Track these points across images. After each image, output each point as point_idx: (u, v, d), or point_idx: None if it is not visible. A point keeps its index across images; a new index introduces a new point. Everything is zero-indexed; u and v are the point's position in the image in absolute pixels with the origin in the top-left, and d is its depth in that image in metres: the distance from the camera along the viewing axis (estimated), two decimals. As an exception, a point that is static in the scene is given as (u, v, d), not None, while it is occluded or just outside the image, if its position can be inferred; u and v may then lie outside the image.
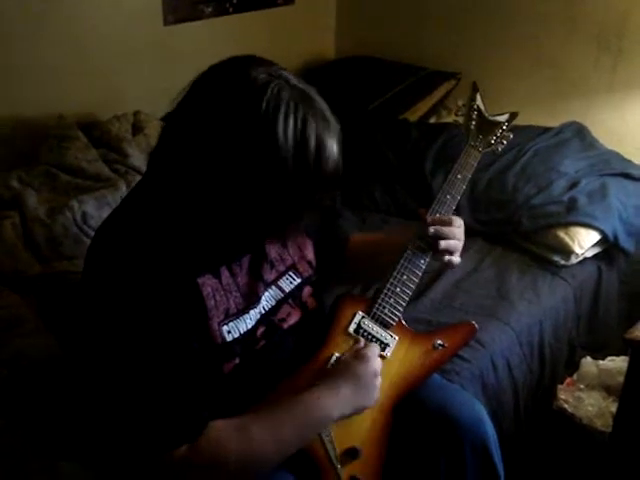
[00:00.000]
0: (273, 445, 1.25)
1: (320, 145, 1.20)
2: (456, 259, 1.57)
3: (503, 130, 1.72)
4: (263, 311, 1.41)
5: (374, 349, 1.41)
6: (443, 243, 1.53)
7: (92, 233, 2.08)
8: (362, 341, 1.44)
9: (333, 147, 1.22)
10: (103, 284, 1.25)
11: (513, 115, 1.74)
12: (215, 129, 1.18)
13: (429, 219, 1.55)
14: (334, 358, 1.43)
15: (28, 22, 2.36)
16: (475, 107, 1.71)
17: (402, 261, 1.53)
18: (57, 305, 1.87)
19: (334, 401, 1.31)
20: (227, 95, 1.18)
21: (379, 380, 1.37)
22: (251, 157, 1.17)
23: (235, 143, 1.17)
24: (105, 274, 1.25)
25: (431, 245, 1.54)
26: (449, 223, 1.54)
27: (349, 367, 1.35)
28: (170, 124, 1.30)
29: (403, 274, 1.52)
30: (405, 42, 3.29)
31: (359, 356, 1.37)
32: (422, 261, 1.54)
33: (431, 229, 1.53)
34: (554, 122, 2.83)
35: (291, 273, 1.48)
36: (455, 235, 1.55)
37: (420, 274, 1.53)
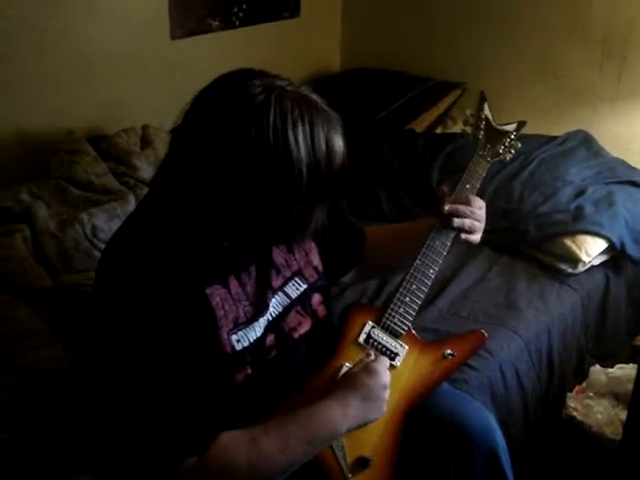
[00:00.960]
0: (282, 457, 1.25)
1: (329, 145, 1.21)
2: (474, 238, 1.57)
3: (511, 139, 1.72)
4: (270, 318, 1.41)
5: (384, 362, 1.40)
6: (457, 221, 1.54)
7: (102, 246, 2.08)
8: (372, 354, 1.45)
9: (339, 142, 1.24)
10: (114, 297, 1.26)
11: (521, 124, 1.74)
12: (223, 149, 1.19)
13: (447, 199, 1.56)
14: (344, 368, 1.43)
15: (35, 36, 2.37)
16: (483, 117, 1.71)
17: (416, 262, 1.54)
18: (68, 318, 1.87)
19: (343, 414, 1.32)
20: (230, 117, 1.19)
21: (387, 393, 1.37)
22: (265, 173, 1.18)
23: (247, 162, 1.18)
24: (115, 287, 1.26)
25: (447, 224, 1.54)
26: (466, 202, 1.55)
27: (358, 380, 1.36)
28: (176, 141, 1.31)
29: (412, 283, 1.52)
30: (410, 53, 3.30)
31: (368, 369, 1.37)
32: (431, 271, 1.54)
33: (446, 206, 1.54)
34: (560, 131, 2.84)
35: (297, 279, 1.49)
36: (473, 214, 1.55)
37: (429, 283, 1.53)
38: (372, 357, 1.43)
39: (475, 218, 1.56)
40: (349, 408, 1.32)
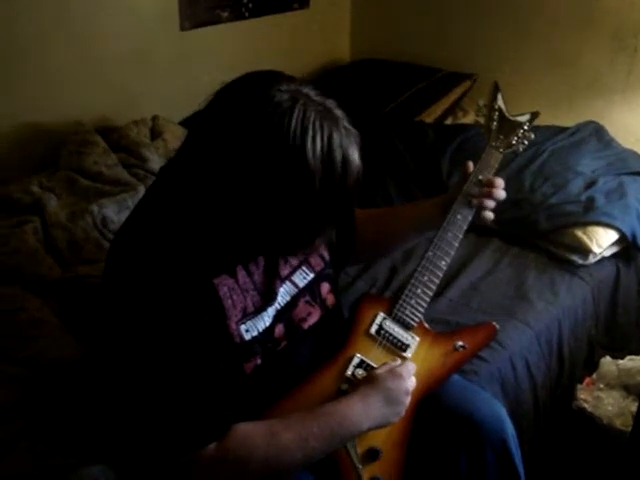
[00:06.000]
0: (300, 453, 1.26)
1: (345, 159, 1.20)
2: (489, 215, 1.60)
3: (524, 130, 1.70)
4: (279, 307, 1.42)
5: (409, 368, 1.41)
6: (476, 201, 1.57)
7: (112, 237, 2.10)
8: (398, 359, 1.45)
9: (355, 158, 1.23)
10: (123, 288, 1.27)
11: (534, 115, 1.72)
12: (241, 151, 1.18)
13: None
14: (356, 359, 1.44)
15: (44, 29, 2.38)
16: (496, 107, 1.69)
17: (428, 253, 1.54)
18: (78, 308, 1.88)
19: (364, 415, 1.33)
20: (252, 119, 1.17)
21: (409, 399, 1.38)
22: (279, 182, 1.18)
23: (263, 166, 1.17)
24: (124, 278, 1.27)
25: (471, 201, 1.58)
26: (493, 184, 1.59)
27: (382, 382, 1.37)
28: (193, 133, 1.30)
29: (424, 274, 1.52)
30: (420, 44, 3.29)
31: (393, 373, 1.38)
32: (443, 262, 1.54)
33: (476, 189, 1.58)
34: (571, 122, 2.83)
35: (304, 268, 1.49)
36: (495, 195, 1.59)
37: (441, 274, 1.54)
38: (398, 362, 1.44)
39: (494, 198, 1.59)
40: (371, 409, 1.34)
